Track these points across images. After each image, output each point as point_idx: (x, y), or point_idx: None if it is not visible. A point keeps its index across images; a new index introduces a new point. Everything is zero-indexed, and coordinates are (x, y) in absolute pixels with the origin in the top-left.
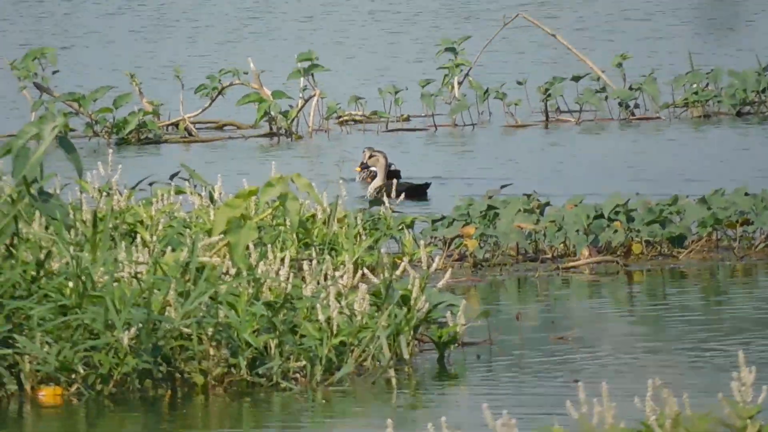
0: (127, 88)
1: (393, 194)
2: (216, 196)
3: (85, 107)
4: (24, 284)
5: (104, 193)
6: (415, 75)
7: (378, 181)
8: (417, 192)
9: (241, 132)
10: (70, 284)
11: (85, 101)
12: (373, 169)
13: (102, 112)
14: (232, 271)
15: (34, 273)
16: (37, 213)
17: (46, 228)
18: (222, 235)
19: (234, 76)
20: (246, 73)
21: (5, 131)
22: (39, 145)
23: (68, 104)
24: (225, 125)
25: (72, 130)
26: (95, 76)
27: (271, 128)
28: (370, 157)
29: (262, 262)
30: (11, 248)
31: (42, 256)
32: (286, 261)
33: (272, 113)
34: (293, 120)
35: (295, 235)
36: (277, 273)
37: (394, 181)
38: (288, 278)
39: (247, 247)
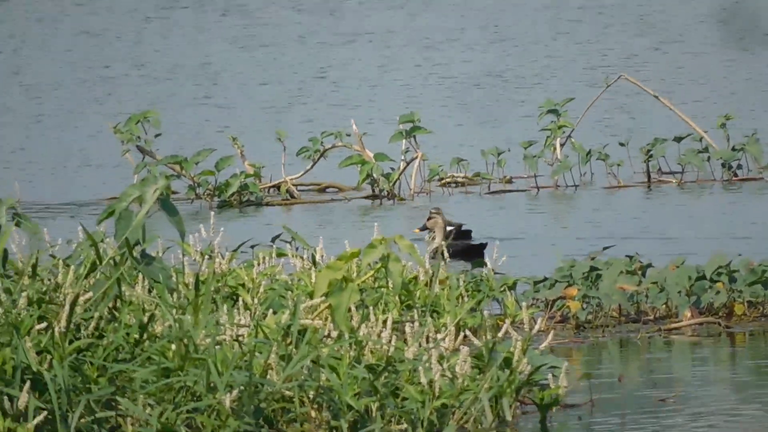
0: (229, 150)
1: (446, 255)
2: (318, 258)
3: (187, 170)
4: (127, 347)
5: (206, 256)
6: (517, 137)
7: (437, 242)
8: (473, 252)
9: (343, 194)
10: (173, 347)
11: (187, 164)
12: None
13: (204, 175)
14: (334, 333)
15: (137, 336)
16: (140, 276)
17: (149, 291)
18: (324, 298)
19: (336, 138)
20: (348, 135)
21: (108, 194)
22: (141, 207)
23: (171, 167)
24: (327, 187)
25: (174, 192)
26: (197, 139)
27: (373, 190)
28: (429, 218)
29: (364, 325)
30: (114, 311)
31: (145, 319)
32: (389, 323)
33: (374, 175)
34: (395, 182)
35: (397, 297)
36: (379, 335)
37: (447, 240)
38: (390, 341)
39: (349, 310)
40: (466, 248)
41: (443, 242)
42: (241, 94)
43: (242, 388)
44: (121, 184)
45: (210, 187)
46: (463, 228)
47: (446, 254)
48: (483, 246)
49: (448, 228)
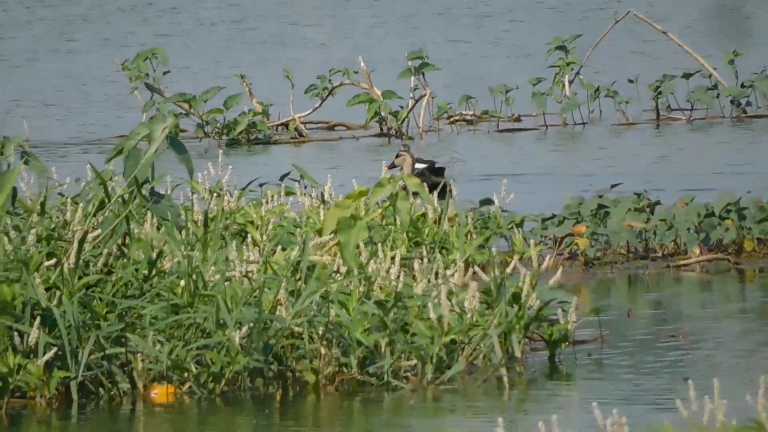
0: (237, 89)
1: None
2: (326, 196)
3: (195, 108)
4: (136, 283)
5: (215, 194)
6: (525, 74)
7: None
8: (434, 173)
9: (351, 132)
10: (182, 283)
11: (195, 102)
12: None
13: (212, 113)
14: (343, 270)
15: (146, 272)
16: (149, 213)
17: (158, 228)
18: (332, 235)
19: (344, 75)
20: (356, 73)
21: (116, 132)
22: (150, 146)
23: (179, 105)
24: (335, 125)
25: (183, 131)
26: (205, 77)
27: (381, 128)
28: (397, 156)
29: (372, 261)
30: (123, 248)
31: (154, 256)
32: (397, 260)
33: (383, 113)
34: (404, 120)
35: (405, 235)
36: (387, 272)
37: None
38: (399, 277)
39: (358, 246)
40: (427, 169)
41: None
42: (245, 31)
43: (251, 324)
44: (129, 122)
45: (218, 125)
46: (437, 166)
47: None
48: (441, 169)
49: (420, 166)
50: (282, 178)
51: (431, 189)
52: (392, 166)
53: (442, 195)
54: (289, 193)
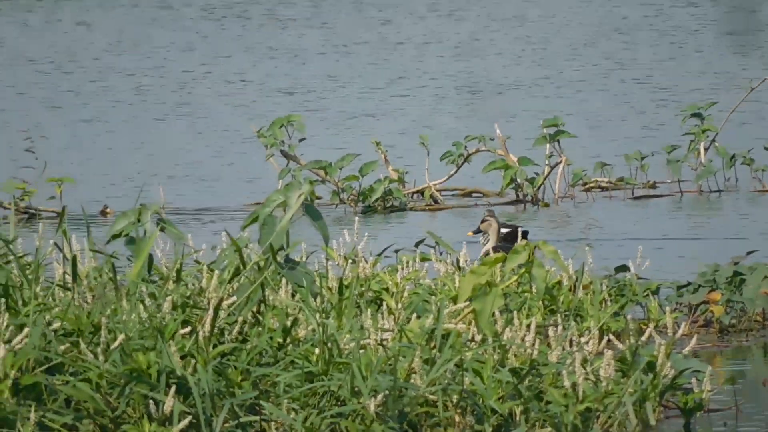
0: (373, 156)
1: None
2: (462, 263)
3: (331, 175)
4: (271, 351)
5: (350, 261)
6: (661, 141)
7: (490, 245)
8: (509, 238)
9: (487, 199)
10: (317, 351)
11: (331, 169)
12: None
13: (348, 180)
14: (478, 337)
15: (280, 340)
16: (284, 280)
17: (293, 295)
18: (468, 302)
19: (480, 142)
20: (492, 140)
21: (252, 200)
22: (286, 213)
23: (315, 172)
24: (471, 192)
25: (318, 197)
26: (341, 144)
27: (517, 195)
28: (483, 221)
29: (507, 329)
30: (258, 315)
31: (288, 323)
32: (532, 327)
33: (518, 180)
34: (539, 187)
35: (540, 302)
36: (522, 339)
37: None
38: (534, 344)
39: (493, 314)
40: (505, 236)
41: (497, 245)
42: (382, 101)
43: (386, 392)
44: (265, 189)
45: (354, 192)
46: (521, 230)
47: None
48: (524, 233)
49: (504, 230)
50: (417, 245)
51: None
52: (477, 231)
53: (510, 242)
54: (424, 260)
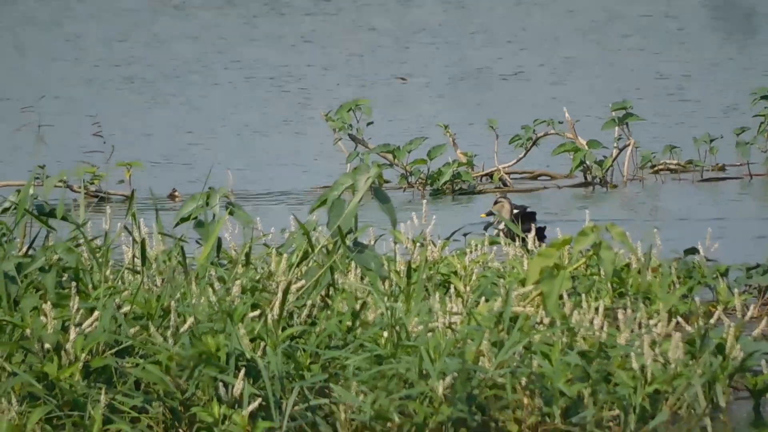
0: (441, 139)
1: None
2: (530, 245)
3: (399, 159)
4: (340, 334)
5: (418, 244)
6: (730, 124)
7: (502, 225)
8: (527, 218)
9: (555, 182)
10: (385, 334)
11: (399, 153)
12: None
13: (416, 164)
14: (546, 320)
15: (349, 323)
16: (353, 264)
17: (362, 279)
18: (536, 285)
19: (549, 126)
20: (561, 123)
21: (320, 183)
22: (354, 196)
23: (383, 156)
24: (539, 175)
25: (386, 181)
26: (409, 127)
27: (585, 178)
28: (495, 203)
29: (576, 312)
30: (327, 299)
31: (357, 307)
32: (600, 310)
33: (587, 163)
34: (608, 169)
35: (609, 284)
36: (591, 322)
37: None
38: (602, 327)
39: (561, 297)
40: (519, 214)
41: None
42: (449, 81)
43: (455, 375)
44: (333, 173)
45: (422, 176)
46: (528, 210)
47: (510, 236)
48: (532, 213)
49: (514, 212)
50: (486, 228)
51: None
52: (489, 213)
53: (539, 239)
54: (492, 243)
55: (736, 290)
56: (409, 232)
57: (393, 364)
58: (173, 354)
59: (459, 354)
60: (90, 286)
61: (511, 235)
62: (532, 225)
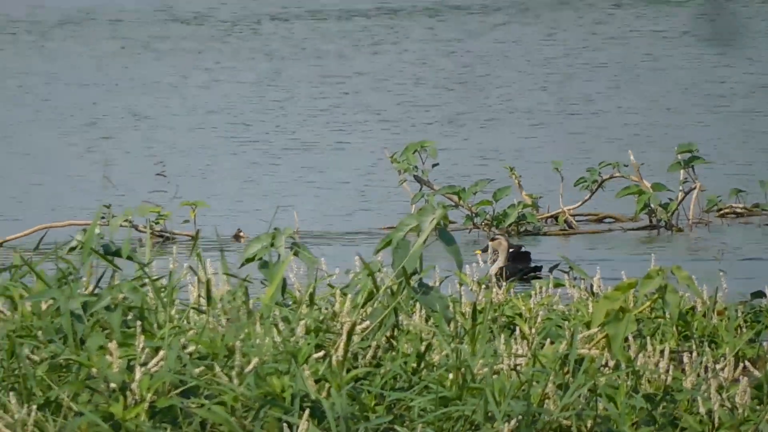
0: (506, 181)
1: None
2: (595, 288)
3: (464, 200)
4: (405, 376)
5: (483, 286)
6: None
7: (499, 263)
8: (521, 258)
9: (620, 224)
10: (451, 376)
11: (464, 194)
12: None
13: (482, 205)
14: (611, 363)
15: (414, 365)
16: (417, 305)
17: (426, 320)
18: (601, 328)
19: (614, 168)
20: (626, 166)
21: (385, 224)
22: (419, 237)
23: (448, 197)
24: (604, 218)
25: (452, 222)
26: (473, 168)
27: (650, 221)
28: (492, 239)
29: (641, 355)
30: (392, 340)
31: (422, 348)
32: (666, 353)
33: (652, 206)
34: (673, 212)
35: (674, 328)
36: (656, 365)
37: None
38: (668, 370)
39: (626, 340)
40: (515, 253)
41: (506, 264)
42: (513, 123)
43: (520, 417)
44: (398, 214)
45: (488, 217)
46: (522, 250)
47: (504, 275)
48: (526, 253)
49: (510, 250)
50: (551, 270)
51: (519, 273)
52: (485, 250)
53: (528, 279)
54: (557, 285)
55: None
56: (475, 273)
57: (458, 405)
58: (238, 394)
59: (524, 396)
60: (155, 325)
61: (506, 274)
62: (528, 265)
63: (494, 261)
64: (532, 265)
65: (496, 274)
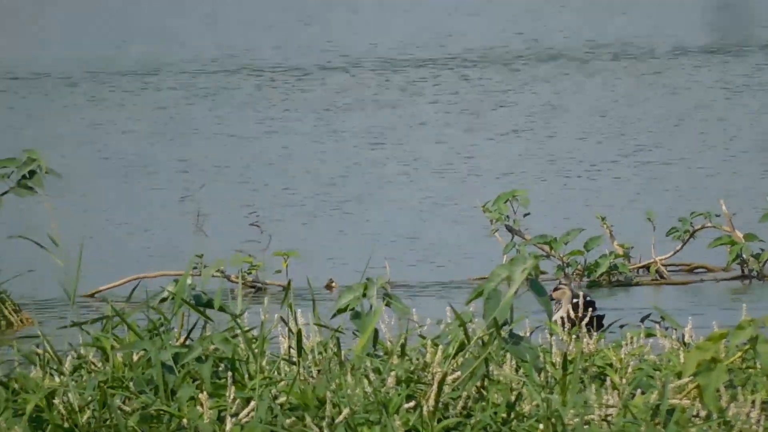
0: (597, 230)
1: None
2: (687, 338)
3: (556, 250)
4: (495, 426)
5: (574, 336)
6: None
7: (562, 312)
8: (585, 306)
9: (712, 275)
10: (541, 426)
11: (556, 244)
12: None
13: (573, 255)
14: (703, 413)
15: (504, 415)
16: (508, 355)
17: (516, 370)
18: (692, 378)
19: (706, 218)
20: (718, 216)
21: (476, 274)
22: (510, 287)
23: (539, 247)
24: (696, 268)
25: (543, 272)
26: (564, 218)
27: (742, 270)
28: (555, 289)
29: (732, 405)
30: (482, 390)
31: (512, 398)
32: (757, 403)
33: (744, 255)
34: (765, 262)
35: (765, 378)
36: (747, 415)
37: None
38: (759, 421)
39: (718, 390)
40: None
41: (568, 313)
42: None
43: None
44: (489, 264)
45: (579, 267)
46: (588, 299)
47: (564, 324)
48: (601, 317)
49: (574, 300)
50: (643, 320)
51: (587, 322)
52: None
53: (596, 327)
54: (649, 335)
55: None
56: (565, 323)
57: None
58: None
59: None
60: (246, 376)
61: (571, 321)
62: (592, 313)
63: (557, 310)
64: (598, 314)
65: (561, 323)
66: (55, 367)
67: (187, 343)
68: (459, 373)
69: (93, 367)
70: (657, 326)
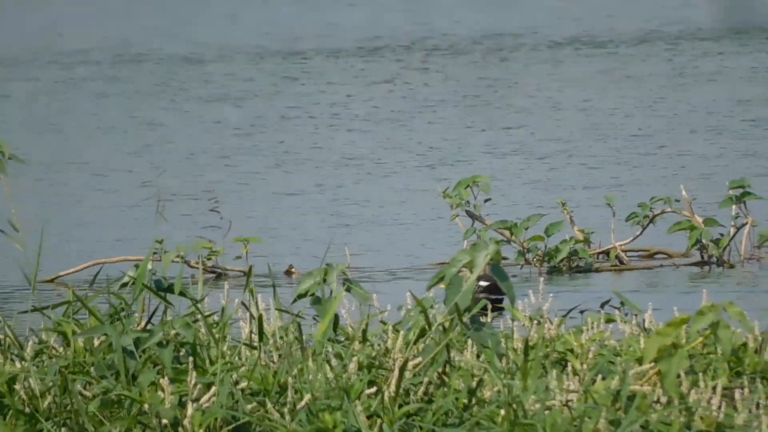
0: (558, 216)
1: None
2: (647, 324)
3: (517, 235)
4: (456, 412)
5: (535, 322)
6: None
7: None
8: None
9: (672, 260)
10: (502, 412)
11: (517, 230)
12: None
13: (534, 240)
14: (663, 399)
15: (466, 401)
16: (469, 341)
17: (478, 356)
18: (653, 363)
19: (665, 204)
20: (678, 201)
21: (436, 260)
22: (471, 273)
23: (500, 232)
24: (656, 253)
25: (504, 258)
26: (525, 204)
27: (702, 256)
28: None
29: (693, 391)
30: (444, 376)
31: (474, 384)
32: (718, 390)
33: (704, 241)
34: (725, 248)
35: (726, 364)
36: (708, 402)
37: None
38: (720, 407)
39: (679, 376)
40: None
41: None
42: (563, 156)
43: None
44: (449, 249)
45: (540, 253)
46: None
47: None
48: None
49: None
50: (603, 306)
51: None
52: None
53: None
54: (609, 321)
55: None
56: (527, 309)
57: None
58: (290, 430)
59: None
60: (207, 361)
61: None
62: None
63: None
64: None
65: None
66: (16, 353)
67: (148, 328)
68: (420, 359)
69: (54, 352)
70: (617, 312)
